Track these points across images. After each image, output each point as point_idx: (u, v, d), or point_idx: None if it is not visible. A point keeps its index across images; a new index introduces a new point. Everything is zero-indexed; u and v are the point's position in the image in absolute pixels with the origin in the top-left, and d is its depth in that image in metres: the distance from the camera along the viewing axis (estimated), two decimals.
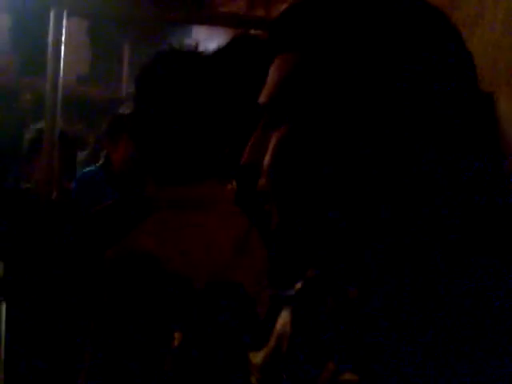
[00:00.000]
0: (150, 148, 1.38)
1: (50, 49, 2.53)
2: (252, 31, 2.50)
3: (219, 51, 1.52)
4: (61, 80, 2.50)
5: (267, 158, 0.75)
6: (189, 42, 1.48)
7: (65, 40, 2.60)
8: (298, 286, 0.88)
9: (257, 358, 0.87)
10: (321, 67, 0.73)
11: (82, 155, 4.14)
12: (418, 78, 0.71)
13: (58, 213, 2.48)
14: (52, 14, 2.54)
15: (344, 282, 0.78)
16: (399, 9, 0.74)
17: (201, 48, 1.46)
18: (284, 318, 0.87)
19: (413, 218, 0.72)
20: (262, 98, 0.78)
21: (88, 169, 3.55)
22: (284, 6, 0.79)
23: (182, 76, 1.36)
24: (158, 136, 1.36)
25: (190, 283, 1.25)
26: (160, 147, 1.36)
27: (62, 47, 2.59)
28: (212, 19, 3.26)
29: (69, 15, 2.67)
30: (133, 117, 1.44)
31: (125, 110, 3.13)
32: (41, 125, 2.78)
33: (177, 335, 1.22)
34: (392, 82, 0.70)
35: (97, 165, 3.47)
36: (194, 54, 1.41)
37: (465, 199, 0.73)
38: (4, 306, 2.51)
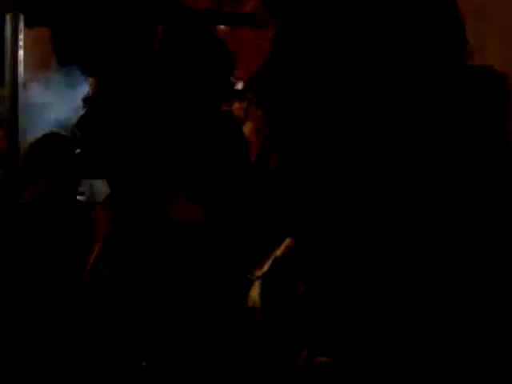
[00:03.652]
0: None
1: (7, 53, 2.47)
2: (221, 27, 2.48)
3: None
4: (20, 84, 2.45)
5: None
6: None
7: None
8: (265, 267, 0.84)
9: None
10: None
11: None
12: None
13: None
14: (8, 18, 2.49)
15: (318, 266, 0.75)
16: None
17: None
18: (253, 297, 0.83)
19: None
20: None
21: None
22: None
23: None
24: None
25: None
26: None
27: (21, 51, 2.53)
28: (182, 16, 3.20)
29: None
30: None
31: None
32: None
33: None
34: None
35: None
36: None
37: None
38: None
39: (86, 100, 1.43)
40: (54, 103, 3.24)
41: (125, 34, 1.50)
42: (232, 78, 1.60)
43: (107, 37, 1.53)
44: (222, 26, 2.37)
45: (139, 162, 1.39)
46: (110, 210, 1.48)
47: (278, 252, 0.84)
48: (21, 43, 2.54)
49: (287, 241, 0.82)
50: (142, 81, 1.38)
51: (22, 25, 2.53)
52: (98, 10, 2.81)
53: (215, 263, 1.27)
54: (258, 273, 0.85)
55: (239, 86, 1.65)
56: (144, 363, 1.20)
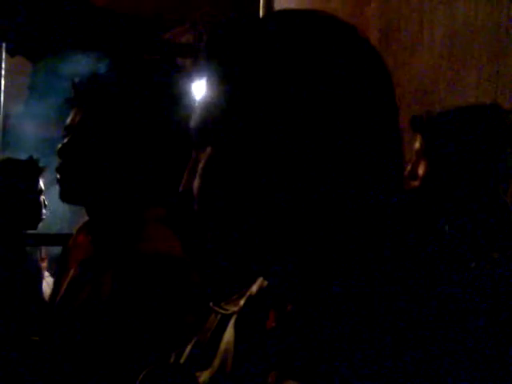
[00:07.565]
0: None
1: None
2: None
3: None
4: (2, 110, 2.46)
5: (196, 182, 0.74)
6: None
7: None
8: (241, 303, 0.86)
9: (203, 377, 0.85)
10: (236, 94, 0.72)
11: None
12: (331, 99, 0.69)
13: None
14: None
15: (285, 298, 0.77)
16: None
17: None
18: (228, 336, 0.84)
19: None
20: (192, 123, 0.77)
21: None
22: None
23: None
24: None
25: None
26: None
27: (2, 80, 2.54)
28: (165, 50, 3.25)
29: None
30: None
31: None
32: None
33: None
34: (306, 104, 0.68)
35: None
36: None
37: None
38: None
39: (67, 128, 1.45)
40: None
41: (108, 65, 1.52)
42: None
43: (91, 67, 1.54)
44: None
45: (118, 190, 1.41)
46: (86, 236, 1.49)
47: (254, 288, 0.85)
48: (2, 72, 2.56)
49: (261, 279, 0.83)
50: (125, 112, 1.40)
51: (3, 54, 2.54)
52: (79, 39, 2.83)
53: (189, 294, 1.28)
54: (234, 308, 0.86)
55: None
56: None
